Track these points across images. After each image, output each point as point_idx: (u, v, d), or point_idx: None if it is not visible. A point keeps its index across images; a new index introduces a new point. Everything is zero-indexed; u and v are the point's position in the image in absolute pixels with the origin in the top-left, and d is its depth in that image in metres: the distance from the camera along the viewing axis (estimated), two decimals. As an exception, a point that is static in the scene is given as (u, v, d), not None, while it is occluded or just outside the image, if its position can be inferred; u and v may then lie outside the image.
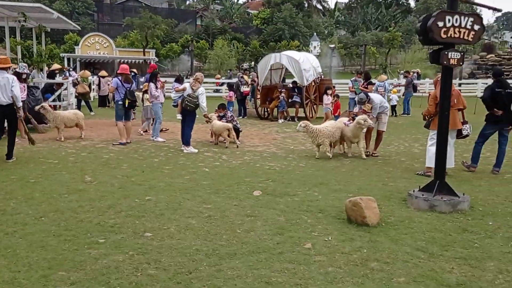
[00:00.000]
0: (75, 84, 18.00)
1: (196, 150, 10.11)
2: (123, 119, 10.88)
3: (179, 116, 10.25)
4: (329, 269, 4.03)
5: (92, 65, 34.85)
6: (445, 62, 5.58)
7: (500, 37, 62.97)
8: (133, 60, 36.04)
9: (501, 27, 69.48)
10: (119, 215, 5.49)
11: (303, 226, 5.15)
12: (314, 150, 10.00)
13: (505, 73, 39.09)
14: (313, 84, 17.20)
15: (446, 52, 5.57)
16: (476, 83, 32.20)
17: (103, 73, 20.97)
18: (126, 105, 10.75)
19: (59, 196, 6.28)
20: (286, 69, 17.96)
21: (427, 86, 32.39)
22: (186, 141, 10.14)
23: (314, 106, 17.59)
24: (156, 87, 11.84)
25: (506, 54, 45.05)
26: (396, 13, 58.45)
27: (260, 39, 47.58)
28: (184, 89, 10.34)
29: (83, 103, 18.47)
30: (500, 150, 8.23)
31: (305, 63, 16.62)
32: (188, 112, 10.07)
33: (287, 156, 9.81)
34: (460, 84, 35.15)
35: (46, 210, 5.62)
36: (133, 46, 40.07)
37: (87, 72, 20.42)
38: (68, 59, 33.50)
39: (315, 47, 39.50)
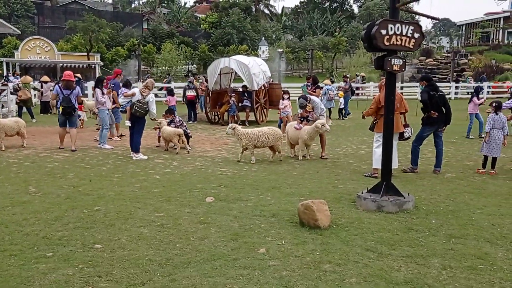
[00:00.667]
0: (16, 90, 17.19)
1: (145, 157, 9.95)
2: (65, 125, 11.11)
3: (127, 123, 10.06)
4: (284, 273, 4.09)
5: (32, 70, 33.44)
6: (388, 68, 5.82)
7: (437, 42, 66.27)
8: (77, 65, 34.93)
9: (438, 33, 73.13)
10: (67, 227, 5.31)
11: (257, 231, 5.19)
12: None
13: (442, 76, 41.41)
14: (263, 88, 17.37)
15: (389, 59, 5.81)
16: (417, 86, 33.65)
17: (45, 78, 20.17)
18: (61, 112, 10.82)
19: (2, 209, 5.98)
20: (236, 73, 18.06)
21: (372, 90, 33.58)
22: (135, 148, 9.96)
23: (264, 110, 17.77)
24: (103, 93, 11.54)
25: (443, 58, 47.50)
26: (340, 18, 60.10)
27: (208, 43, 47.42)
28: (133, 95, 10.14)
29: (24, 109, 17.69)
30: (438, 151, 8.69)
31: (254, 67, 16.78)
32: (137, 118, 9.90)
33: (238, 160, 9.84)
34: (402, 87, 36.67)
35: (-13, 224, 5.33)
36: (77, 50, 38.77)
37: (29, 78, 19.52)
38: (7, 64, 31.94)
39: (263, 52, 39.96)
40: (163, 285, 3.86)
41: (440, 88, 8.86)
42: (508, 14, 55.49)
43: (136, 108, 9.76)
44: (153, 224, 5.43)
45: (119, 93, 12.07)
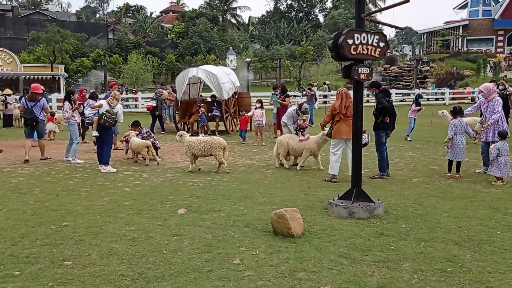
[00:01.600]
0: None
1: (114, 170, 9.78)
2: (31, 137, 11.27)
3: (95, 133, 9.96)
4: (259, 283, 4.08)
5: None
6: (355, 77, 5.94)
7: (400, 50, 68.10)
8: (40, 76, 34.08)
9: (400, 41, 75.19)
10: (35, 244, 5.14)
11: (231, 241, 5.16)
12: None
13: (405, 83, 42.57)
14: (232, 98, 17.39)
15: (356, 68, 5.94)
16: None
17: (7, 91, 19.57)
18: (23, 123, 11.18)
19: (-37, 228, 5.74)
20: (204, 83, 18.01)
21: (339, 97, 34.05)
22: (105, 160, 9.81)
23: (234, 119, 17.77)
24: (71, 107, 11.30)
25: (406, 66, 48.88)
26: (306, 27, 61.02)
27: (176, 53, 47.22)
28: (100, 106, 10.01)
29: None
30: (382, 156, 8.86)
31: (222, 77, 16.79)
32: (105, 129, 9.78)
33: (210, 171, 9.80)
34: (368, 95, 37.41)
35: None
36: (40, 61, 37.85)
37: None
38: (-34, 76, 30.86)
39: (231, 61, 40.06)
40: (137, 300, 3.79)
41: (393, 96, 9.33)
42: (467, 22, 57.73)
43: (105, 118, 9.66)
44: (124, 238, 5.33)
45: (85, 105, 11.85)
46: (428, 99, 34.95)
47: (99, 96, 13.68)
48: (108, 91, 13.09)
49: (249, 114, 15.12)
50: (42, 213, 6.46)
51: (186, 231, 5.55)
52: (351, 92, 6.99)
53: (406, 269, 4.39)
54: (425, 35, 64.22)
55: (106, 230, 5.64)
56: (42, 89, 16.84)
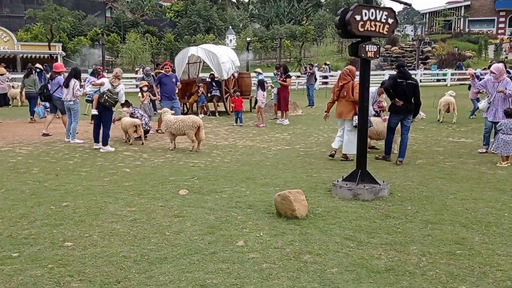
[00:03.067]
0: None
1: (113, 149, 9.68)
2: (53, 113, 12.22)
3: (94, 111, 9.79)
4: (264, 265, 3.99)
5: (-10, 61, 31.97)
6: (363, 55, 5.76)
7: (402, 31, 67.33)
8: (38, 55, 33.67)
9: (402, 21, 74.26)
10: (34, 224, 5.04)
11: (234, 223, 5.06)
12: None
13: (407, 64, 42.12)
14: (232, 78, 17.14)
15: (363, 45, 5.76)
16: (383, 75, 34.16)
17: (1, 70, 19.22)
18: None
19: (-40, 208, 5.63)
20: (204, 63, 17.75)
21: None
22: (104, 140, 9.67)
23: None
24: (81, 86, 11.08)
25: (408, 46, 48.39)
26: (307, 7, 60.14)
27: (174, 32, 46.59)
28: (101, 84, 9.77)
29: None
30: (402, 141, 8.42)
31: (223, 56, 16.50)
32: (105, 108, 9.60)
33: (210, 152, 9.67)
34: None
35: None
36: (37, 40, 37.34)
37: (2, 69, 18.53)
38: (-38, 55, 30.45)
39: (231, 40, 39.57)
40: (140, 282, 3.70)
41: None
42: (469, 2, 56.95)
43: (106, 97, 9.45)
44: (126, 219, 5.23)
45: (86, 81, 11.71)
46: (432, 80, 34.74)
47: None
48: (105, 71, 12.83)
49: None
50: (41, 193, 6.35)
51: (188, 213, 5.44)
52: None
53: (414, 251, 4.30)
54: (427, 15, 63.40)
55: (107, 210, 5.54)
56: (38, 68, 16.63)
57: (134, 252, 4.28)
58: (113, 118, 11.33)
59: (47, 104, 14.99)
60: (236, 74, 17.59)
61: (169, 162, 8.60)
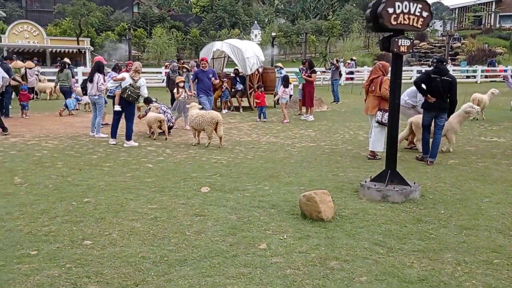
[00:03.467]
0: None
1: (136, 144, 9.66)
2: None
3: (117, 107, 9.77)
4: (287, 271, 3.79)
5: (21, 55, 32.61)
6: (395, 50, 5.48)
7: (431, 26, 65.74)
8: (67, 50, 34.15)
9: (431, 16, 72.52)
10: (54, 221, 4.96)
11: (256, 224, 4.88)
12: (262, 140, 9.75)
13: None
14: (256, 73, 16.94)
15: (396, 39, 5.47)
16: (411, 70, 33.41)
17: (29, 64, 19.55)
18: None
19: (-17, 202, 5.61)
20: (229, 58, 17.60)
21: (365, 74, 33.28)
22: (128, 135, 9.65)
23: (259, 95, 17.34)
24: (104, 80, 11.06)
25: (437, 42, 47.24)
26: (334, 1, 59.34)
27: (200, 28, 46.63)
28: (123, 79, 9.69)
29: (13, 95, 17.13)
30: (433, 140, 8.04)
31: (248, 51, 16.31)
32: (128, 103, 9.57)
33: (233, 148, 9.51)
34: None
35: (-33, 219, 4.98)
36: (66, 34, 37.89)
37: (19, 63, 18.88)
38: (-6, 49, 31.11)
39: (256, 36, 39.33)
40: (158, 285, 3.55)
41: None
42: (500, -2, 55.17)
43: (129, 92, 9.41)
44: (146, 217, 5.10)
45: (107, 77, 11.62)
46: (462, 77, 33.77)
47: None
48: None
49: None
50: (64, 188, 6.31)
51: (209, 211, 5.29)
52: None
53: (449, 260, 4.03)
54: (457, 10, 61.78)
55: (128, 207, 5.43)
56: (66, 62, 16.77)
57: (153, 252, 4.14)
58: (139, 114, 11.41)
59: (79, 97, 15.22)
60: (260, 69, 17.38)
61: (191, 158, 8.48)
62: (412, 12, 5.48)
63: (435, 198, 5.86)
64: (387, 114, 7.80)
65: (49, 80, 21.75)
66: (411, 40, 5.57)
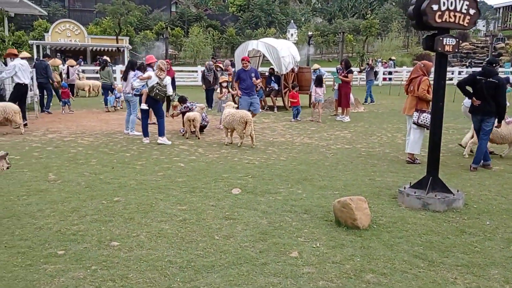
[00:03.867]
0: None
1: (169, 142, 9.69)
2: None
3: (144, 106, 9.87)
4: (320, 283, 3.57)
5: (63, 53, 33.54)
6: (439, 49, 5.15)
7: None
8: (106, 48, 34.89)
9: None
10: (84, 220, 4.92)
11: (288, 230, 4.68)
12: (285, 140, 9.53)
13: (478, 61, 39.51)
14: (291, 72, 16.70)
15: (441, 38, 5.14)
16: (452, 72, 32.32)
17: (71, 62, 20.03)
18: None
19: (17, 198, 5.65)
20: (264, 57, 17.42)
21: (404, 74, 32.43)
22: (161, 131, 9.73)
23: (293, 95, 17.09)
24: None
25: (480, 42, 45.53)
26: (372, 0, 58.23)
27: (236, 27, 46.73)
28: (149, 78, 9.72)
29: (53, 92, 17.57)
30: (478, 146, 7.61)
31: (283, 50, 16.10)
32: (155, 101, 9.68)
33: (266, 148, 9.32)
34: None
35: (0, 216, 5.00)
36: (106, 33, 38.76)
37: (58, 61, 19.39)
38: (38, 47, 32.12)
39: (292, 35, 39.01)
40: (184, 292, 3.41)
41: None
42: (550, -5, 52.61)
43: (157, 91, 9.48)
44: (175, 218, 4.99)
45: (133, 76, 11.68)
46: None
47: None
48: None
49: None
50: (95, 185, 6.30)
51: (239, 215, 5.13)
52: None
53: (495, 277, 3.71)
54: (501, 10, 59.28)
55: (157, 208, 5.34)
56: (105, 60, 17.04)
57: (180, 256, 4.01)
58: (172, 113, 11.43)
59: (118, 94, 15.47)
60: (296, 69, 17.12)
61: (223, 157, 8.36)
62: (458, 9, 5.14)
63: (479, 207, 5.48)
64: (424, 115, 7.55)
65: (88, 78, 22.26)
66: (457, 39, 5.22)
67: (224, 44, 45.24)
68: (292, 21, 44.30)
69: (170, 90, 9.84)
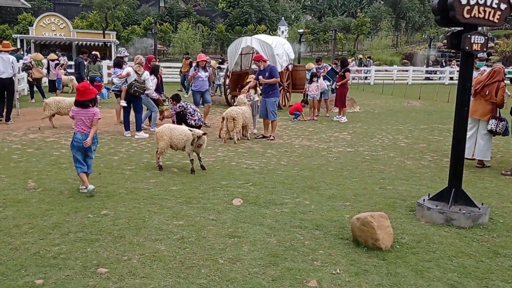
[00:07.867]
0: (28, 68, 16.26)
1: (146, 135, 9.78)
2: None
3: (123, 103, 9.84)
4: (348, 322, 3.04)
5: (47, 47, 32.50)
6: (467, 47, 4.64)
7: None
8: (93, 43, 33.92)
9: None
10: (66, 238, 4.31)
11: (301, 251, 4.13)
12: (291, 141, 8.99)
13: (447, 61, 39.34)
14: (286, 70, 16.15)
15: (468, 36, 4.63)
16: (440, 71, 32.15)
17: (52, 56, 19.25)
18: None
19: (-9, 210, 5.01)
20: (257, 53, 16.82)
21: (395, 74, 32.17)
22: (138, 126, 9.88)
23: (287, 93, 16.58)
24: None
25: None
26: (362, -1, 57.90)
27: (226, 23, 46.00)
28: (128, 75, 9.70)
29: (35, 88, 16.80)
30: None
31: (277, 47, 15.51)
32: (135, 97, 9.75)
33: (264, 151, 8.77)
34: (427, 72, 35.08)
35: (-30, 233, 4.37)
36: (92, 27, 37.73)
37: (40, 55, 18.54)
38: (22, 41, 31.05)
39: (283, 32, 38.46)
40: (186, 335, 2.84)
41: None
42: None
43: (136, 88, 9.61)
44: (172, 236, 4.41)
45: (112, 74, 11.23)
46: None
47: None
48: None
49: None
50: (80, 195, 5.68)
51: (244, 231, 4.56)
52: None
53: (547, 312, 3.22)
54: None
55: (151, 223, 4.75)
56: (95, 54, 16.29)
57: (180, 286, 3.43)
58: (168, 113, 10.85)
59: (109, 87, 14.95)
60: (290, 67, 16.58)
61: (220, 161, 7.78)
62: (488, 4, 4.64)
63: (506, 222, 5.00)
64: (502, 123, 7.32)
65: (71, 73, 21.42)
66: (486, 37, 4.72)
67: (213, 41, 44.49)
68: (283, 18, 43.73)
69: (149, 85, 9.91)
